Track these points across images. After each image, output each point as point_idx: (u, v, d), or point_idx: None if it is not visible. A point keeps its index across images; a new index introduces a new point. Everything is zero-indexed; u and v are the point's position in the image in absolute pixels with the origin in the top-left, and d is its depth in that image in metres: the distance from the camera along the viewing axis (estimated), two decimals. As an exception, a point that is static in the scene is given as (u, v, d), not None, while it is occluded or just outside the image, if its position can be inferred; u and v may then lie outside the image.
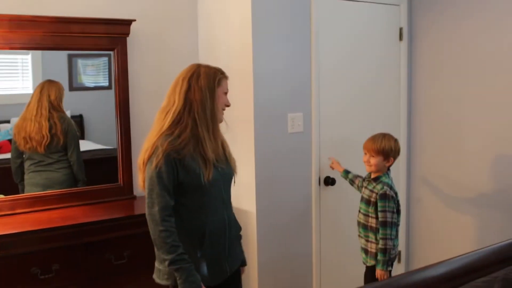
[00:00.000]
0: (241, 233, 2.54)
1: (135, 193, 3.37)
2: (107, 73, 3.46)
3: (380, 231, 2.85)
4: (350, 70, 3.60)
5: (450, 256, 2.42)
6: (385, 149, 2.88)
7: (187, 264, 2.17)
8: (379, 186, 2.89)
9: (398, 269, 3.92)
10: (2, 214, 2.96)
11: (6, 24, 2.92)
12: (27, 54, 3.20)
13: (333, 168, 3.37)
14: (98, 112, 3.51)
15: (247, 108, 3.16)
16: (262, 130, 3.18)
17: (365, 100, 3.70)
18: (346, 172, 3.27)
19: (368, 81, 3.70)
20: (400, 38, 3.83)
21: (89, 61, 3.43)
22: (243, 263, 2.57)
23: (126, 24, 3.26)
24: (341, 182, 3.42)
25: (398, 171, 3.89)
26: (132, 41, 3.35)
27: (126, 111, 3.32)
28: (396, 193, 2.91)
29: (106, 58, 3.43)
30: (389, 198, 2.85)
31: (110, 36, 3.23)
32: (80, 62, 3.38)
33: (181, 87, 2.29)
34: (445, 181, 3.74)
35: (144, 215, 2.25)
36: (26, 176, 3.20)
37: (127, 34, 3.28)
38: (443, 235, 3.78)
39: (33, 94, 3.18)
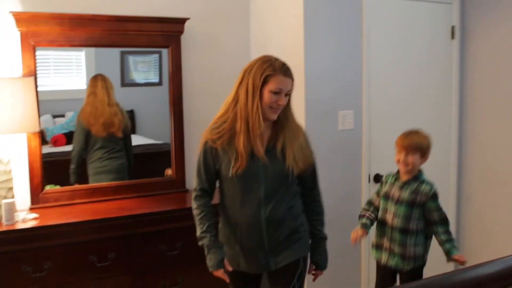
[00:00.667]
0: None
1: (187, 186, 3.43)
2: (157, 69, 3.54)
3: (443, 228, 2.73)
4: (401, 67, 3.58)
5: (501, 256, 2.38)
6: (422, 144, 2.75)
7: (209, 242, 2.29)
8: (427, 186, 2.76)
9: (448, 267, 3.86)
10: (62, 204, 3.08)
11: (67, 23, 3.04)
12: (81, 51, 3.29)
13: (357, 239, 2.89)
14: (149, 107, 3.60)
15: (299, 106, 3.16)
16: (313, 127, 3.18)
17: (416, 97, 3.67)
18: (365, 225, 2.93)
19: (419, 79, 3.67)
20: (452, 36, 3.78)
21: (140, 58, 3.52)
22: (319, 267, 2.49)
23: (180, 22, 3.33)
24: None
25: (449, 169, 3.86)
26: (185, 39, 3.41)
27: (179, 107, 3.39)
28: None
29: (157, 55, 3.51)
30: (438, 197, 2.77)
31: (164, 34, 3.31)
32: (131, 59, 3.47)
33: (238, 79, 2.31)
34: (498, 179, 3.67)
35: (195, 208, 2.39)
36: (98, 165, 3.29)
37: (181, 32, 3.35)
38: (495, 235, 3.71)
39: (96, 84, 3.24)
